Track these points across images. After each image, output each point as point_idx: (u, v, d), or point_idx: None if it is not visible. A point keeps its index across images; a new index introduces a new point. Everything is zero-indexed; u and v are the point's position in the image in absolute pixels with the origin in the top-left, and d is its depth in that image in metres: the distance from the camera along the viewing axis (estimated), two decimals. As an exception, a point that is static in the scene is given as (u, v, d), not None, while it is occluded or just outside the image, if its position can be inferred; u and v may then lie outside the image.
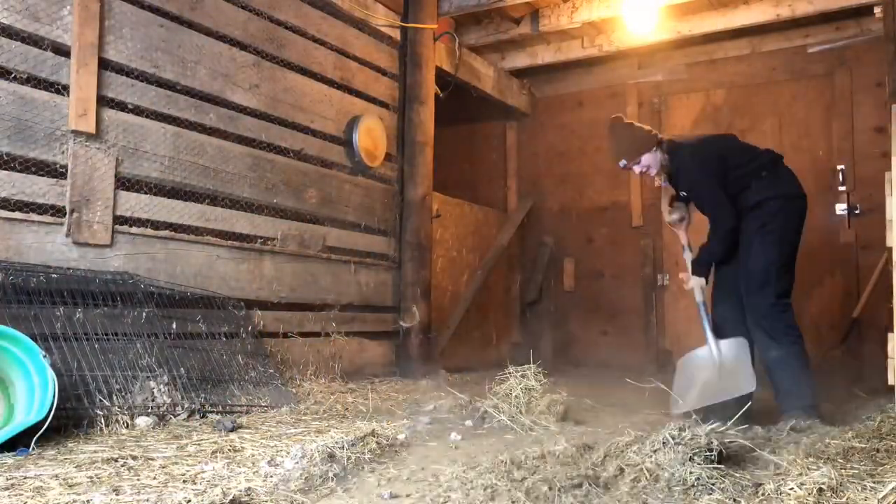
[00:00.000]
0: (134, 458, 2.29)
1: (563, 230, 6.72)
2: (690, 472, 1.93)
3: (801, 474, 1.98)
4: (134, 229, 3.46)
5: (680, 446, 2.03)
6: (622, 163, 3.70)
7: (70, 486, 1.93)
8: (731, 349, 3.53)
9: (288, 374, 4.04)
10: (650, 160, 3.65)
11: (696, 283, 3.64)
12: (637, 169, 3.70)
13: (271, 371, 3.70)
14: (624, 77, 6.52)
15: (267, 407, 3.35)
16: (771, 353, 3.42)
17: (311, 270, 4.45)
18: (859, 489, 1.84)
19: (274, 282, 4.18)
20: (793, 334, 3.40)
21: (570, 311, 6.64)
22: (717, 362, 3.54)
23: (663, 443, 2.06)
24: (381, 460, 2.36)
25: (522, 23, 5.80)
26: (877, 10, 4.80)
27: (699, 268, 3.61)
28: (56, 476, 2.02)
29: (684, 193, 3.74)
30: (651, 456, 2.03)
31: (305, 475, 2.03)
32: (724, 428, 2.38)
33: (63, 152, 3.19)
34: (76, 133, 3.22)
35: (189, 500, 1.76)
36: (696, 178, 3.60)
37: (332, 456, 2.17)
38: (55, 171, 3.17)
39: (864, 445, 2.41)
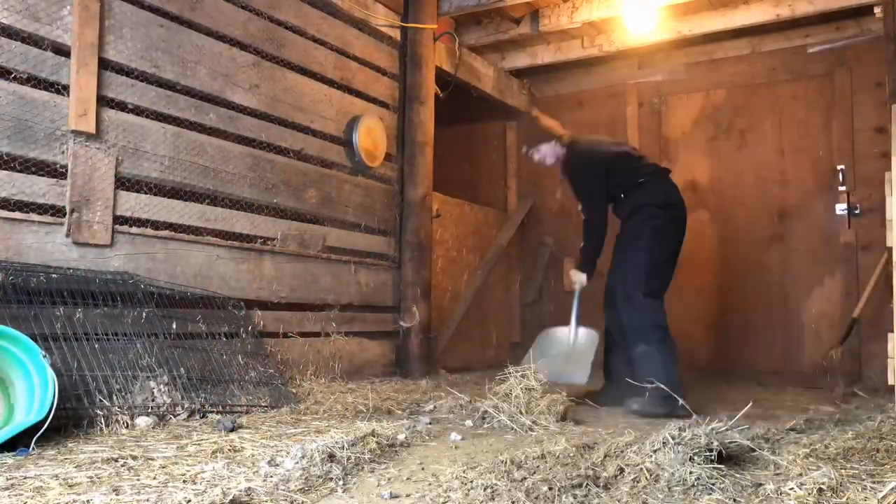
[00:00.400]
0: (134, 458, 2.29)
1: (563, 230, 6.71)
2: (690, 472, 1.93)
3: (801, 474, 1.98)
4: (134, 229, 3.46)
5: (680, 446, 2.03)
6: (524, 149, 4.21)
7: (70, 486, 1.93)
8: (585, 339, 3.99)
9: (288, 374, 4.04)
10: (548, 150, 4.10)
11: (578, 278, 4.07)
12: (536, 157, 4.17)
13: (271, 371, 3.70)
14: (624, 77, 6.52)
15: (267, 407, 3.35)
16: (636, 349, 3.66)
17: (311, 270, 4.45)
18: (859, 489, 1.84)
19: (274, 282, 4.18)
20: (659, 332, 3.63)
21: (570, 310, 6.62)
22: (570, 344, 4.04)
23: (663, 443, 2.06)
24: (381, 460, 2.36)
25: (522, 23, 5.80)
26: (877, 10, 4.80)
27: (584, 266, 4.03)
28: (56, 476, 2.02)
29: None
30: (651, 456, 2.03)
31: (305, 475, 2.03)
32: (724, 428, 2.38)
33: (63, 152, 3.19)
34: (76, 133, 3.22)
35: (189, 501, 1.76)
36: (582, 176, 4.00)
37: (332, 456, 2.17)
38: (55, 171, 3.17)
39: (864, 445, 2.41)
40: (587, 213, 3.93)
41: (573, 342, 4.02)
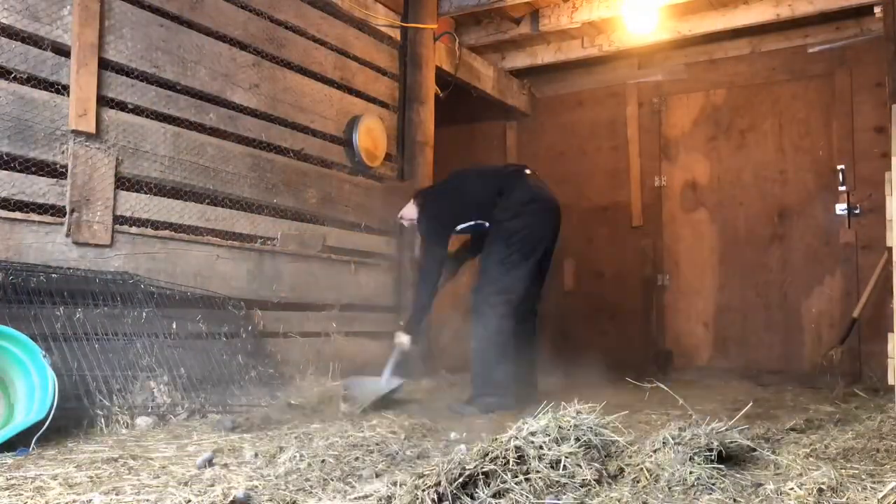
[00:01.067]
0: (134, 458, 2.29)
1: (564, 230, 6.67)
2: (690, 472, 1.93)
3: (801, 474, 1.98)
4: (134, 229, 3.46)
5: (680, 446, 2.03)
6: (398, 220, 4.12)
7: (70, 486, 1.93)
8: (392, 385, 3.78)
9: (288, 374, 4.04)
10: (409, 211, 4.01)
11: (399, 340, 3.89)
12: (405, 223, 4.11)
13: (271, 371, 3.70)
14: (624, 77, 6.52)
15: (267, 407, 3.35)
16: (472, 343, 3.73)
17: (311, 270, 4.45)
18: (859, 489, 1.84)
19: (274, 282, 4.18)
20: (498, 330, 3.62)
21: (570, 310, 6.64)
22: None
23: (663, 443, 2.06)
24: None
25: (522, 23, 5.80)
26: (877, 10, 4.80)
27: (409, 326, 3.91)
28: (56, 476, 2.02)
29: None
30: (651, 456, 2.02)
31: (306, 475, 2.03)
32: (724, 428, 2.38)
33: (63, 152, 3.19)
34: (76, 133, 3.22)
35: (189, 501, 1.76)
36: (423, 220, 3.95)
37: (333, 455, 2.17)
38: (55, 171, 3.17)
39: (864, 445, 2.40)
40: (422, 257, 3.92)
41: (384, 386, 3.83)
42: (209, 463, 2.18)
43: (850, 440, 2.47)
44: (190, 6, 3.75)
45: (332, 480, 2.02)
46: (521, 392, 3.71)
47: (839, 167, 5.53)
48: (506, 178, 3.84)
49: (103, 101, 3.35)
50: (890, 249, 3.24)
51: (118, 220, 3.39)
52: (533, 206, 3.76)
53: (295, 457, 2.17)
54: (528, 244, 3.71)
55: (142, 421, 2.87)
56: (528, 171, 3.94)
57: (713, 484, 1.91)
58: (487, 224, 3.85)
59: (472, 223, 3.88)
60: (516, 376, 3.69)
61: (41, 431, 2.42)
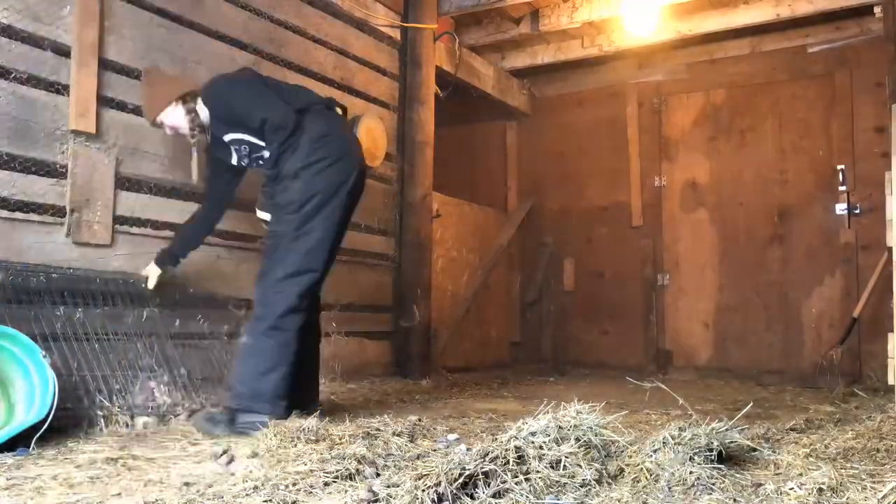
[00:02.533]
0: (134, 457, 2.29)
1: (563, 230, 6.72)
2: (690, 472, 1.93)
3: (801, 474, 1.98)
4: (134, 229, 3.46)
5: (680, 446, 2.03)
6: (150, 120, 3.17)
7: (70, 486, 1.93)
8: None
9: (288, 374, 4.03)
10: (175, 119, 3.11)
11: (149, 271, 3.28)
12: (168, 130, 3.17)
13: (271, 371, 3.69)
14: (624, 77, 6.52)
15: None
16: (243, 338, 3.01)
17: (311, 270, 4.44)
18: (859, 489, 1.84)
19: (274, 282, 4.17)
20: (266, 322, 2.84)
21: (570, 311, 6.64)
22: None
23: (663, 443, 2.06)
24: (381, 460, 2.35)
25: (522, 23, 5.81)
26: (877, 10, 4.80)
27: (164, 256, 3.28)
28: (56, 476, 2.02)
29: (228, 137, 3.06)
30: (651, 456, 2.02)
31: (306, 475, 2.03)
32: (724, 428, 2.38)
33: (63, 152, 3.19)
34: (76, 133, 3.22)
35: (190, 501, 1.76)
36: (234, 93, 3.00)
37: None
38: (55, 171, 3.17)
39: (864, 445, 2.41)
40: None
41: None
42: (229, 458, 2.19)
43: (850, 440, 2.47)
44: (190, 6, 3.75)
45: (333, 480, 2.02)
46: (299, 399, 2.92)
47: (839, 167, 5.53)
48: (307, 106, 2.99)
49: (103, 101, 3.35)
50: (890, 249, 3.24)
51: (118, 220, 3.39)
52: (334, 167, 2.92)
53: (295, 457, 2.16)
54: (320, 211, 2.89)
55: (142, 421, 2.86)
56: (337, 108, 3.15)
57: (713, 484, 1.91)
58: (266, 155, 2.98)
59: (248, 139, 3.00)
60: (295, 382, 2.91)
61: (41, 431, 2.42)
